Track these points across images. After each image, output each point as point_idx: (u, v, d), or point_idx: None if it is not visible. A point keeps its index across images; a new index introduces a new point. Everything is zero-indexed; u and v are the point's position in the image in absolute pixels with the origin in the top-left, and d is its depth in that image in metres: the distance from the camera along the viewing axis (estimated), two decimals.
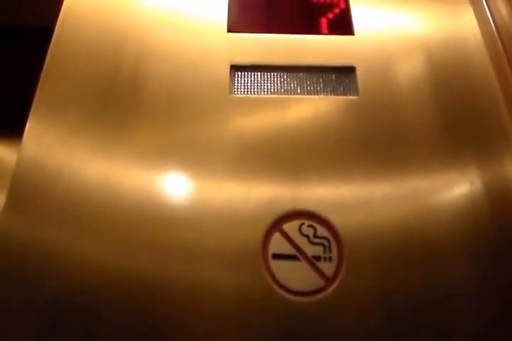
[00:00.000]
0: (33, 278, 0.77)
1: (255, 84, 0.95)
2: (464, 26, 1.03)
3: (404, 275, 0.79)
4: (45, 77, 0.92)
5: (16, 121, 0.89)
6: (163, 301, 0.76)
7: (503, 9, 0.99)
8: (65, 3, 1.00)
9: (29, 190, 0.82)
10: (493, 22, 1.00)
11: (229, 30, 1.00)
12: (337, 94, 0.94)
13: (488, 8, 1.02)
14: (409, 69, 0.98)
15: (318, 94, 0.94)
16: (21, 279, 0.77)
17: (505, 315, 0.79)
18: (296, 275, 0.78)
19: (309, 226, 0.81)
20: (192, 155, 0.86)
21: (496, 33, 0.99)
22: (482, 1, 1.04)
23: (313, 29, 1.01)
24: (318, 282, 0.78)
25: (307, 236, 0.80)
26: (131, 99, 0.91)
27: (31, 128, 0.87)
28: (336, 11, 1.03)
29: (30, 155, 0.85)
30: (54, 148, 0.86)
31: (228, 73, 0.94)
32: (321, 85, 0.95)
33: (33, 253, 0.78)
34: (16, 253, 0.78)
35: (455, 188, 0.86)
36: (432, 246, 0.81)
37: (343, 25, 1.02)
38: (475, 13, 1.04)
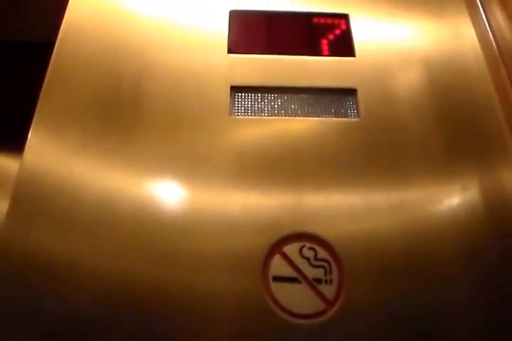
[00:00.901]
0: (34, 288, 0.77)
1: (255, 106, 0.95)
2: (465, 44, 1.04)
3: (405, 297, 0.79)
4: (45, 94, 0.92)
5: (18, 133, 0.89)
6: (165, 308, 0.76)
7: (502, 25, 1.00)
8: (65, 19, 1.00)
9: (30, 205, 0.82)
10: (494, 38, 1.01)
11: (229, 51, 1.00)
12: (338, 116, 0.94)
13: (488, 24, 1.03)
14: (410, 89, 0.98)
15: (318, 116, 0.94)
16: (22, 288, 0.77)
17: (505, 320, 0.79)
18: (296, 297, 0.78)
19: (310, 248, 0.81)
20: (191, 171, 0.86)
21: (496, 48, 1.00)
22: (482, 18, 1.05)
23: (314, 50, 1.01)
24: (319, 305, 0.77)
25: (308, 259, 0.80)
26: (132, 116, 0.91)
27: (32, 144, 0.87)
28: (337, 32, 1.04)
29: (30, 171, 0.85)
30: (55, 164, 0.86)
31: (228, 94, 0.95)
32: (322, 107, 0.95)
33: (35, 265, 0.78)
34: (17, 265, 0.78)
35: (455, 204, 0.86)
36: (432, 263, 0.81)
37: (344, 46, 1.02)
38: (476, 31, 1.05)
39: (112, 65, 0.97)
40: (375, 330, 0.77)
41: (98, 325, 0.75)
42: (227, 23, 1.03)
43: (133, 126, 0.90)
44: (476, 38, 1.04)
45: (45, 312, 0.76)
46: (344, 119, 0.94)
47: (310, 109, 0.95)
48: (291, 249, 0.80)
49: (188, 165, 0.87)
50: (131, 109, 0.92)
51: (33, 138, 0.88)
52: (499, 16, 1.01)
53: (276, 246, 0.80)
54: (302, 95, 0.96)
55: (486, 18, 1.04)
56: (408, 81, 0.99)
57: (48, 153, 0.87)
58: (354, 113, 0.95)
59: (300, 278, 0.79)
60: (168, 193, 0.86)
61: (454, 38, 1.05)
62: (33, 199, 0.83)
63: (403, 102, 0.96)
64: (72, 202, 0.83)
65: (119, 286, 0.77)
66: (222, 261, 0.80)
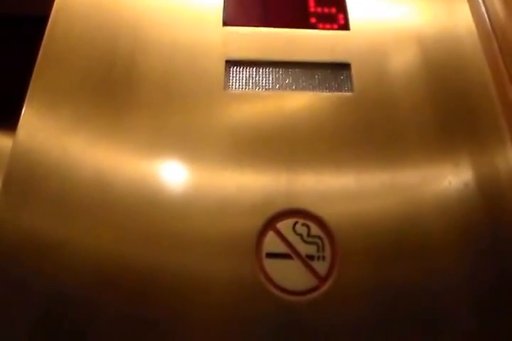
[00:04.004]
0: (28, 271, 0.77)
1: (250, 80, 0.95)
2: (460, 22, 1.03)
3: (397, 274, 0.79)
4: (38, 71, 0.92)
5: (11, 110, 0.89)
6: (158, 289, 0.77)
7: (497, 3, 0.99)
8: None
9: (23, 184, 0.82)
10: (488, 18, 1.00)
11: (224, 24, 0.99)
12: (332, 91, 0.94)
13: (484, 4, 1.02)
14: (403, 65, 0.98)
15: (313, 90, 0.94)
16: (16, 271, 0.77)
17: (493, 308, 0.79)
18: (289, 274, 0.78)
19: (303, 224, 0.81)
20: (185, 149, 0.86)
21: (489, 27, 0.99)
22: None
23: (309, 23, 1.01)
24: (311, 281, 0.78)
25: (301, 235, 0.80)
26: (126, 92, 0.91)
27: (25, 121, 0.87)
28: (332, 5, 1.03)
29: (23, 149, 0.85)
30: (48, 142, 0.86)
31: (223, 68, 0.94)
32: (317, 81, 0.95)
33: (28, 246, 0.78)
34: (10, 246, 0.78)
35: (447, 182, 0.86)
36: (424, 243, 0.82)
37: (338, 19, 1.01)
38: (470, 9, 1.04)
39: (105, 41, 0.96)
40: (367, 307, 0.78)
41: (89, 306, 0.76)
42: None
43: (127, 103, 0.90)
44: (470, 15, 1.04)
45: (37, 292, 0.76)
46: (338, 93, 0.94)
47: (304, 84, 0.95)
48: (285, 226, 0.81)
49: (183, 142, 0.87)
50: (125, 85, 0.92)
51: (26, 116, 0.88)
52: None
53: (270, 223, 0.81)
54: (297, 69, 0.96)
55: None
56: (402, 57, 0.99)
57: (42, 131, 0.87)
58: (348, 87, 0.94)
59: (293, 255, 0.79)
60: (162, 171, 0.86)
61: (449, 15, 1.04)
62: (26, 178, 0.83)
63: (397, 78, 0.95)
64: (66, 180, 0.83)
65: (112, 267, 0.78)
66: (216, 238, 0.80)
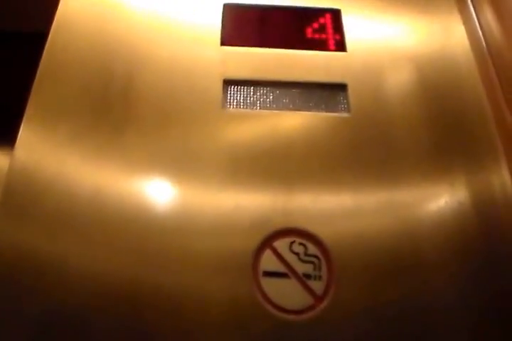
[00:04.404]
0: (23, 287, 0.77)
1: (248, 99, 0.95)
2: (455, 42, 1.04)
3: (393, 292, 0.80)
4: (36, 88, 0.92)
5: (9, 127, 0.89)
6: (153, 308, 0.77)
7: (492, 24, 1.00)
8: (59, 11, 1.00)
9: (20, 201, 0.82)
10: (484, 38, 1.02)
11: (222, 44, 1.00)
12: (329, 111, 0.95)
13: (478, 23, 1.04)
14: (400, 85, 0.99)
15: (310, 111, 0.95)
16: (12, 288, 0.77)
17: (488, 326, 0.80)
18: (286, 292, 0.78)
19: (300, 244, 0.81)
20: (182, 167, 0.87)
21: (485, 47, 1.01)
22: (472, 16, 1.06)
23: (306, 45, 1.02)
24: (307, 300, 0.78)
25: (298, 254, 0.81)
26: (124, 110, 0.91)
27: (23, 139, 0.87)
28: (329, 27, 1.04)
29: (21, 166, 0.85)
30: (46, 159, 0.86)
31: (221, 87, 0.95)
32: (313, 102, 0.96)
33: (24, 263, 0.78)
34: (6, 263, 0.78)
35: (443, 201, 0.87)
36: (420, 261, 0.82)
37: (335, 41, 1.03)
38: (466, 29, 1.06)
39: (103, 58, 0.97)
40: (364, 325, 0.78)
41: (86, 325, 0.76)
42: (221, 16, 1.04)
43: (124, 120, 0.90)
44: (465, 35, 1.05)
45: (33, 312, 0.76)
46: (335, 114, 0.94)
47: (301, 104, 0.96)
48: (282, 244, 0.81)
49: (180, 160, 0.87)
50: (123, 103, 0.92)
51: (24, 133, 0.88)
52: (489, 15, 1.01)
53: (267, 241, 0.81)
54: (294, 89, 0.97)
55: (476, 16, 1.05)
56: (398, 77, 1.00)
57: (39, 148, 0.87)
58: (345, 108, 0.95)
59: (290, 273, 0.79)
60: (159, 189, 0.86)
61: (444, 35, 1.05)
62: (23, 195, 0.83)
63: (393, 98, 0.96)
64: (63, 197, 0.83)
65: (108, 285, 0.78)
66: (213, 256, 0.80)
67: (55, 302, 0.76)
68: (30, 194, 0.83)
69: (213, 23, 1.02)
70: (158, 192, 0.86)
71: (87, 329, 0.75)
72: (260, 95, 0.96)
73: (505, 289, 0.82)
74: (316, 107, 0.95)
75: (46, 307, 0.76)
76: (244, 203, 0.84)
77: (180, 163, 0.87)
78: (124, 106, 0.92)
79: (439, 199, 0.87)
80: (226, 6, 1.05)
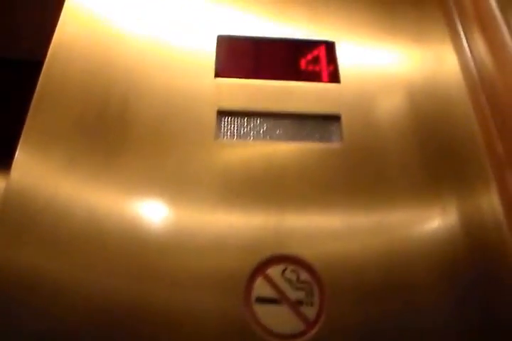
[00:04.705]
0: (19, 308, 0.78)
1: (241, 130, 0.97)
2: (447, 71, 1.07)
3: (384, 317, 0.81)
4: (33, 112, 0.93)
5: (6, 151, 0.91)
6: (148, 327, 0.78)
7: (483, 54, 1.02)
8: (55, 38, 1.02)
9: (17, 224, 0.83)
10: (475, 66, 1.04)
11: (216, 75, 1.02)
12: (322, 141, 0.96)
13: (470, 53, 1.06)
14: (392, 115, 1.01)
15: (302, 141, 0.96)
16: (7, 307, 0.78)
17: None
18: (278, 318, 0.79)
19: (292, 270, 0.82)
20: (176, 191, 0.88)
21: (476, 76, 1.03)
22: (464, 46, 1.08)
23: (300, 76, 1.04)
24: (300, 326, 0.79)
25: (290, 281, 0.82)
26: (120, 137, 0.93)
27: (19, 162, 0.88)
28: (323, 59, 1.06)
29: (18, 188, 0.86)
30: (42, 181, 0.87)
31: (215, 118, 0.96)
32: (307, 132, 0.98)
33: (22, 283, 0.79)
34: (4, 283, 0.79)
35: (433, 225, 0.89)
36: (411, 284, 0.84)
37: (329, 73, 1.04)
38: (457, 57, 1.09)
39: (100, 84, 0.98)
40: None
41: None
42: (215, 48, 1.05)
43: (120, 145, 0.92)
44: (458, 65, 1.07)
45: (32, 330, 0.77)
46: (328, 144, 0.96)
47: (295, 134, 0.97)
48: (274, 271, 0.82)
49: (174, 185, 0.88)
50: (119, 129, 0.93)
51: (21, 156, 0.89)
52: (480, 44, 1.03)
53: (260, 268, 0.82)
54: (287, 120, 0.98)
55: (468, 45, 1.07)
56: (391, 107, 1.02)
57: (35, 171, 0.88)
58: (338, 138, 0.97)
59: (282, 300, 0.80)
60: (153, 213, 0.87)
61: (437, 64, 1.08)
62: (20, 217, 0.83)
63: (386, 128, 0.98)
64: (59, 219, 0.84)
65: (105, 304, 0.78)
66: (206, 281, 0.81)
67: (52, 321, 0.77)
68: (27, 216, 0.83)
69: (207, 54, 1.04)
70: (153, 216, 0.86)
71: None
72: (254, 126, 0.97)
73: (491, 311, 0.83)
74: (309, 138, 0.97)
75: (43, 326, 0.77)
76: (237, 230, 0.85)
77: (174, 189, 0.88)
78: (120, 131, 0.93)
79: (430, 223, 0.89)
80: (220, 38, 1.07)
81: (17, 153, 0.89)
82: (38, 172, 0.88)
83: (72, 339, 0.77)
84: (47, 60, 0.99)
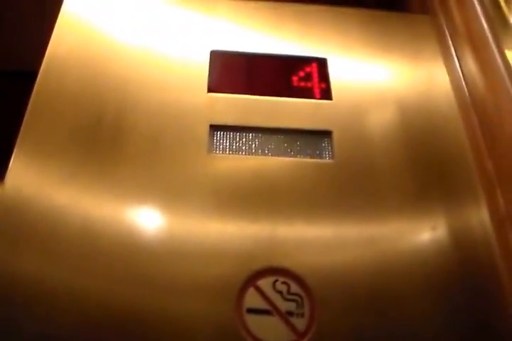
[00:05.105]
0: (18, 313, 0.79)
1: (234, 144, 0.98)
2: (438, 89, 1.09)
3: (374, 328, 0.82)
4: (27, 123, 0.94)
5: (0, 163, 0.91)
6: (139, 334, 0.79)
7: (474, 73, 1.03)
8: (49, 49, 1.03)
9: (11, 234, 0.84)
10: (466, 85, 1.06)
11: (209, 90, 1.03)
12: (313, 157, 0.98)
13: (461, 71, 1.08)
14: (384, 132, 1.02)
15: (294, 157, 0.98)
16: (7, 312, 0.79)
17: None
18: (269, 329, 0.80)
19: (283, 282, 0.83)
20: (170, 207, 0.89)
21: (467, 95, 1.04)
22: (456, 64, 1.10)
23: (292, 93, 1.05)
24: (290, 336, 0.80)
25: (281, 293, 0.83)
26: (114, 148, 0.94)
27: (13, 173, 0.89)
28: (315, 75, 1.08)
29: (11, 200, 0.86)
30: (37, 192, 0.88)
31: (208, 132, 0.97)
32: (298, 148, 0.99)
33: (19, 290, 0.80)
34: (2, 289, 0.80)
35: (423, 239, 0.91)
36: (402, 301, 0.85)
37: (321, 90, 1.06)
38: (448, 76, 1.11)
39: (95, 95, 0.99)
40: None
41: None
42: (208, 63, 1.06)
43: (115, 156, 0.93)
44: (449, 83, 1.09)
45: (26, 333, 0.78)
46: (319, 160, 0.97)
47: (286, 150, 0.98)
48: (265, 283, 0.83)
49: (167, 197, 0.90)
50: (113, 139, 0.94)
51: (15, 167, 0.89)
52: (472, 65, 1.05)
53: (251, 280, 0.83)
54: (279, 136, 1.00)
55: (459, 64, 1.09)
56: (383, 124, 1.04)
57: (30, 182, 0.89)
58: (329, 154, 0.98)
59: (273, 311, 0.81)
60: (147, 223, 0.89)
61: (429, 82, 1.10)
62: (14, 228, 0.84)
63: (377, 145, 1.00)
64: (54, 229, 0.84)
65: (98, 310, 0.80)
66: (197, 291, 0.82)
67: (46, 325, 0.78)
68: (21, 226, 0.84)
69: (201, 69, 1.05)
70: (146, 227, 0.88)
71: None
72: (246, 141, 0.99)
73: (481, 323, 0.85)
74: (301, 153, 0.98)
75: (37, 329, 0.78)
76: (229, 242, 0.86)
77: (167, 201, 0.89)
78: (115, 143, 0.94)
79: (419, 237, 0.91)
80: (213, 53, 1.08)
81: (11, 163, 0.89)
82: (32, 182, 0.89)
83: None
84: (41, 70, 1.00)
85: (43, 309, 0.79)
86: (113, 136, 0.95)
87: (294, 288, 0.83)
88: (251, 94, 1.04)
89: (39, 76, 1.00)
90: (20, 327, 0.78)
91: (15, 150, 0.91)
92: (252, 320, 0.81)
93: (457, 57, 1.11)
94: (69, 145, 0.93)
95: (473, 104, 1.03)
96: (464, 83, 1.07)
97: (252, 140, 0.99)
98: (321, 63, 1.10)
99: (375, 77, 1.11)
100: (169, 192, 0.90)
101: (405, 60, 1.13)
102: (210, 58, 1.08)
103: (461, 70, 1.09)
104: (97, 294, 0.81)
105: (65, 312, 0.79)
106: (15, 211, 0.86)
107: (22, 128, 0.93)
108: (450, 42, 1.14)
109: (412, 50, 1.15)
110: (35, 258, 0.83)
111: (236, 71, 1.08)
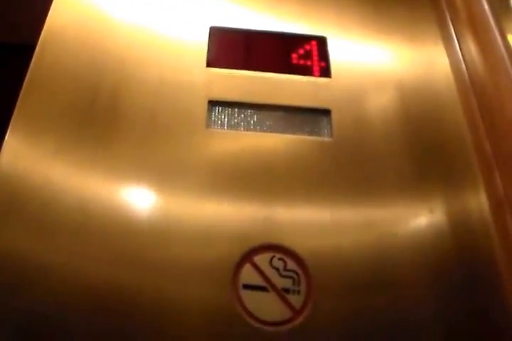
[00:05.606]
0: (5, 293, 0.78)
1: (232, 120, 0.97)
2: (438, 72, 1.08)
3: (370, 307, 0.82)
4: (23, 98, 0.93)
5: None
6: (134, 314, 0.78)
7: (475, 57, 1.03)
8: (47, 24, 1.01)
9: (5, 209, 0.83)
10: (466, 68, 1.05)
11: (208, 65, 1.02)
12: (312, 135, 0.97)
13: (462, 55, 1.07)
14: (382, 112, 1.02)
15: (293, 134, 0.97)
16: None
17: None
18: (265, 305, 0.80)
19: (280, 259, 0.83)
20: (166, 180, 0.88)
21: (467, 79, 1.04)
22: (456, 48, 1.09)
23: (291, 70, 1.04)
24: (286, 313, 0.80)
25: (277, 269, 0.82)
26: (110, 125, 0.93)
27: (8, 148, 0.88)
28: (314, 53, 1.07)
29: (5, 175, 0.86)
30: (31, 168, 0.87)
31: (206, 108, 0.97)
32: (297, 125, 0.98)
33: (7, 267, 0.79)
34: None
35: (421, 221, 0.91)
36: (397, 277, 0.85)
37: (320, 67, 1.05)
38: (448, 59, 1.10)
39: (91, 72, 0.98)
40: (339, 339, 0.80)
41: (68, 326, 0.77)
42: (207, 38, 1.06)
43: (110, 134, 0.92)
44: (449, 66, 1.09)
45: (15, 311, 0.77)
46: (318, 138, 0.97)
47: (285, 127, 0.98)
48: (262, 259, 0.83)
49: (163, 174, 0.89)
50: (109, 117, 0.93)
51: (10, 142, 0.88)
52: (472, 48, 1.04)
53: (247, 256, 0.83)
54: (278, 112, 0.99)
55: (459, 46, 1.09)
56: (381, 104, 1.03)
57: (25, 157, 0.88)
58: (328, 133, 0.97)
59: (269, 287, 0.81)
60: (142, 201, 0.88)
61: (428, 65, 1.09)
62: (8, 202, 0.83)
63: (376, 125, 0.99)
64: (48, 205, 0.84)
65: (91, 290, 0.79)
66: (193, 268, 0.82)
67: (36, 304, 0.77)
68: (15, 201, 0.83)
69: (200, 45, 1.05)
70: (141, 204, 0.87)
71: (68, 330, 0.77)
72: (244, 117, 0.98)
73: (477, 309, 0.84)
74: (299, 131, 0.98)
75: (27, 308, 0.77)
76: (226, 219, 0.86)
77: (163, 178, 0.88)
78: (110, 119, 0.93)
79: (417, 221, 0.90)
80: (212, 29, 1.07)
81: (6, 138, 0.88)
82: (27, 158, 0.88)
83: (59, 323, 0.77)
84: (38, 46, 0.99)
85: (31, 286, 0.78)
86: (109, 112, 0.94)
87: (291, 264, 0.83)
88: (250, 70, 1.03)
89: (36, 51, 0.98)
90: (6, 304, 0.77)
91: (10, 125, 0.90)
92: (248, 296, 0.80)
93: (457, 40, 1.10)
94: (65, 121, 0.92)
95: (472, 87, 1.02)
96: (463, 66, 1.06)
97: (251, 116, 0.99)
98: (321, 41, 1.09)
99: (374, 58, 1.10)
100: (165, 169, 0.90)
101: (405, 42, 1.13)
102: (210, 34, 1.07)
103: (462, 53, 1.08)
104: (86, 273, 0.80)
105: (54, 292, 0.78)
106: (8, 186, 0.85)
107: (18, 104, 0.92)
108: (451, 24, 1.14)
109: (413, 32, 1.14)
110: (27, 235, 0.82)
111: (235, 47, 1.07)
